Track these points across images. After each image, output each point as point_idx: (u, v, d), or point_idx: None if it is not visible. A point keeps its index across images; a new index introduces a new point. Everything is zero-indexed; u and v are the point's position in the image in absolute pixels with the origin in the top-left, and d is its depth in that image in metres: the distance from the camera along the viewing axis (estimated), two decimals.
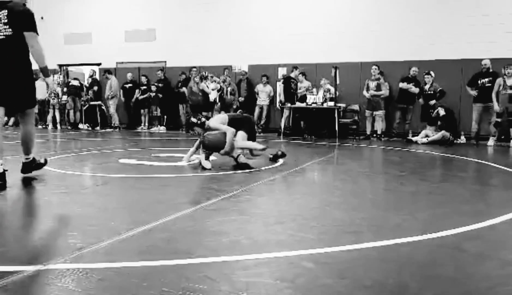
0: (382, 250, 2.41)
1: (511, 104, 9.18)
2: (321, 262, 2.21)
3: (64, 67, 15.86)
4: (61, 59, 15.48)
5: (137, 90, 13.51)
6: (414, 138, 9.97)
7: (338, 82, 10.99)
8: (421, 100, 10.29)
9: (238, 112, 6.09)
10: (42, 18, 15.49)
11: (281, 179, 4.82)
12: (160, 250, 2.35)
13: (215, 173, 5.00)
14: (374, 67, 10.86)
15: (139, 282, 1.89)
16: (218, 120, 5.79)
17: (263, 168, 5.40)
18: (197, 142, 5.74)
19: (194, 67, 12.62)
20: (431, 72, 10.18)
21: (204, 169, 5.26)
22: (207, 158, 5.50)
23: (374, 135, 10.86)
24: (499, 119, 9.38)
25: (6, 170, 4.07)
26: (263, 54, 12.92)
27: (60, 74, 15.30)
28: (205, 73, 11.68)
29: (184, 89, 12.38)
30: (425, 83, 10.25)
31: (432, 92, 10.11)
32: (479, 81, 9.78)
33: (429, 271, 2.10)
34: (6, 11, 3.99)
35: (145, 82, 13.52)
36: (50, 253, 2.25)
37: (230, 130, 5.49)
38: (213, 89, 11.24)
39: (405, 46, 11.59)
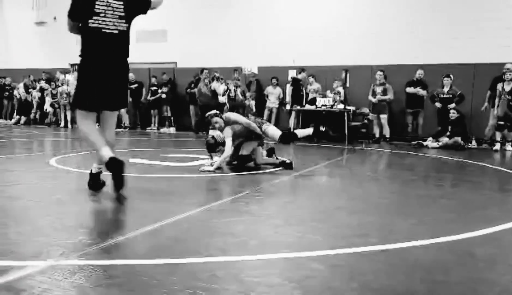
0: (390, 253, 2.40)
1: (508, 110, 9.21)
2: (330, 264, 2.21)
3: (76, 66, 16.02)
4: (73, 59, 15.57)
5: (145, 91, 13.58)
6: (425, 143, 9.87)
7: (348, 85, 10.95)
8: (438, 104, 10.11)
9: (256, 119, 5.86)
10: (55, 18, 15.67)
11: (290, 182, 4.82)
12: (169, 249, 2.36)
13: (224, 174, 5.01)
14: (379, 72, 10.81)
15: (148, 279, 1.91)
16: (238, 116, 5.64)
17: (271, 170, 5.40)
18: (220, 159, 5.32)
19: (205, 68, 12.67)
20: (451, 75, 10.03)
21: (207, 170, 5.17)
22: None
23: (384, 139, 10.79)
24: (501, 122, 9.42)
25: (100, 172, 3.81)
26: (273, 56, 12.92)
27: (72, 74, 15.43)
28: (217, 74, 11.72)
29: (195, 90, 12.45)
30: (443, 86, 10.12)
31: (451, 95, 9.96)
32: (497, 86, 9.65)
33: (438, 276, 2.08)
34: (122, 2, 3.49)
35: (155, 83, 13.59)
36: (60, 249, 2.27)
37: (226, 149, 5.22)
38: (225, 91, 11.27)
39: (414, 50, 11.52)
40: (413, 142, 10.32)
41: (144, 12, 3.71)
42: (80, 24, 3.45)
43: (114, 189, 3.42)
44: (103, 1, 3.38)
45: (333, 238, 2.67)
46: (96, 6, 3.36)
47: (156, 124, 13.68)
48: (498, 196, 4.44)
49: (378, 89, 10.76)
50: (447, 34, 11.35)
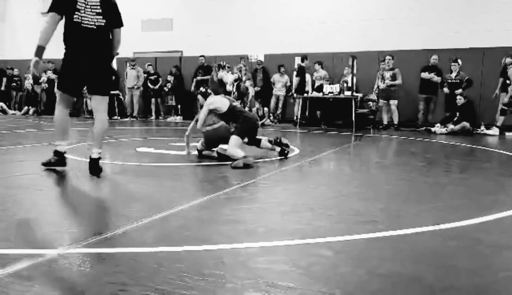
0: (398, 239, 2.40)
1: None
2: (337, 250, 2.21)
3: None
4: None
5: (147, 80, 13.58)
6: (433, 129, 9.81)
7: (355, 71, 10.89)
8: (445, 89, 10.03)
9: (247, 108, 5.77)
10: None
11: (297, 169, 4.82)
12: (176, 237, 2.38)
13: (230, 162, 5.01)
14: (388, 57, 10.69)
15: (156, 267, 1.92)
16: (208, 102, 5.37)
17: (278, 158, 5.40)
18: (192, 124, 5.55)
19: (203, 55, 12.73)
20: (459, 60, 9.93)
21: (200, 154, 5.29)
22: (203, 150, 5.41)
23: (393, 125, 10.73)
24: (505, 108, 9.43)
25: (65, 152, 4.28)
26: (279, 43, 12.84)
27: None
28: (223, 62, 11.70)
29: (199, 77, 12.49)
30: (451, 71, 10.02)
31: (458, 81, 9.87)
32: (507, 70, 9.57)
33: (445, 261, 2.08)
34: (99, 1, 3.93)
35: (152, 72, 13.57)
36: (69, 238, 2.30)
37: (201, 114, 5.29)
38: (235, 80, 11.25)
39: (423, 35, 11.39)
40: (421, 128, 10.25)
41: (114, 27, 4.09)
42: (64, 19, 3.89)
43: (43, 164, 4.18)
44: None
45: (341, 225, 2.67)
46: (78, 3, 3.84)
47: (162, 113, 13.70)
48: (506, 182, 4.41)
49: (387, 74, 10.66)
50: (455, 18, 11.20)
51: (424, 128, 10.15)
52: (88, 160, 4.11)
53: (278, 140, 5.49)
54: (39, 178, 4.04)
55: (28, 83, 15.08)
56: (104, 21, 3.94)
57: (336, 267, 1.99)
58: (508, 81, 9.57)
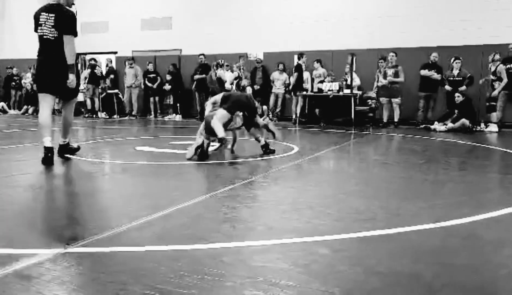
0: (397, 237, 2.41)
1: None
2: (336, 248, 2.22)
3: (82, 56, 16.01)
4: (78, 48, 15.49)
5: (145, 78, 13.56)
6: (432, 126, 9.80)
7: (354, 69, 10.88)
8: (447, 86, 10.02)
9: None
10: None
11: (296, 167, 4.83)
12: (176, 235, 2.39)
13: (230, 161, 5.02)
14: (391, 54, 10.66)
15: (156, 266, 1.93)
16: (212, 99, 5.69)
17: (278, 156, 5.41)
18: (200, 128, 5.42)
19: (202, 54, 12.71)
20: (460, 57, 9.94)
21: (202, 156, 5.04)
22: (208, 145, 5.26)
23: (393, 123, 10.72)
24: (493, 103, 9.54)
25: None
26: (279, 42, 12.83)
27: (78, 63, 15.44)
28: (221, 61, 11.69)
29: (198, 76, 12.50)
30: (452, 69, 10.02)
31: (461, 78, 9.87)
32: (505, 67, 9.58)
33: (444, 259, 2.09)
34: (54, 15, 4.67)
35: (152, 70, 13.55)
36: (69, 237, 2.31)
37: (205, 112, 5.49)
38: (235, 78, 11.24)
39: (423, 32, 11.37)
40: (421, 126, 10.26)
41: (64, 33, 4.72)
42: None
43: (42, 163, 4.57)
44: (43, 16, 4.70)
45: (340, 223, 2.68)
46: (40, 19, 4.71)
47: (158, 111, 13.70)
48: (506, 179, 4.41)
49: (390, 71, 10.64)
50: (454, 16, 11.19)
51: (423, 126, 10.15)
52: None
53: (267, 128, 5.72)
54: (39, 178, 4.04)
55: (27, 82, 15.07)
56: (57, 32, 4.66)
57: (335, 266, 2.00)
58: (494, 77, 9.63)
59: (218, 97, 5.57)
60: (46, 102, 4.79)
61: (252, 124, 5.62)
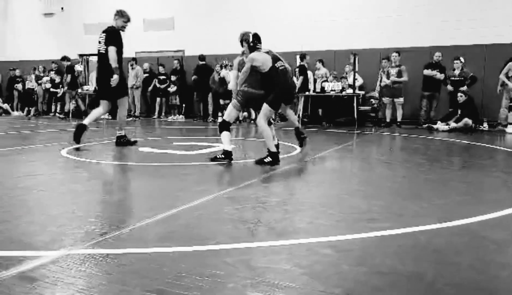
0: (399, 237, 2.40)
1: None
2: (339, 249, 2.21)
3: (85, 57, 16.05)
4: (82, 49, 15.63)
5: (155, 80, 13.57)
6: (435, 126, 9.77)
7: (357, 69, 10.86)
8: (449, 86, 9.99)
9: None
10: (62, 9, 15.69)
11: (299, 167, 4.82)
12: (179, 236, 2.39)
13: (234, 161, 5.02)
14: (394, 54, 10.64)
15: (159, 267, 1.93)
16: (252, 57, 4.91)
17: (281, 156, 5.40)
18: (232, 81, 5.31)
19: (201, 54, 12.74)
20: (461, 58, 9.89)
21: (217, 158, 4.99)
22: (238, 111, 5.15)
23: (396, 122, 10.69)
24: None
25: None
26: (280, 42, 12.81)
27: (81, 64, 15.47)
28: (225, 61, 11.70)
29: (195, 77, 12.55)
30: (454, 69, 9.98)
31: (462, 78, 9.83)
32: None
33: (447, 258, 2.08)
34: (104, 34, 6.23)
35: (163, 72, 13.57)
36: (72, 238, 2.31)
37: (243, 72, 4.98)
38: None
39: (425, 32, 11.34)
40: (423, 125, 10.23)
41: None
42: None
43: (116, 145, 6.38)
44: (100, 36, 6.34)
45: (343, 223, 2.67)
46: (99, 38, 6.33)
47: (163, 113, 13.71)
48: (509, 179, 4.39)
49: (393, 71, 10.62)
50: (458, 15, 11.15)
51: (426, 125, 10.12)
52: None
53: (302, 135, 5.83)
54: (42, 179, 4.06)
55: (30, 84, 15.10)
56: (105, 48, 6.16)
57: (337, 266, 1.99)
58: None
59: (260, 61, 4.86)
60: (124, 104, 6.60)
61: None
